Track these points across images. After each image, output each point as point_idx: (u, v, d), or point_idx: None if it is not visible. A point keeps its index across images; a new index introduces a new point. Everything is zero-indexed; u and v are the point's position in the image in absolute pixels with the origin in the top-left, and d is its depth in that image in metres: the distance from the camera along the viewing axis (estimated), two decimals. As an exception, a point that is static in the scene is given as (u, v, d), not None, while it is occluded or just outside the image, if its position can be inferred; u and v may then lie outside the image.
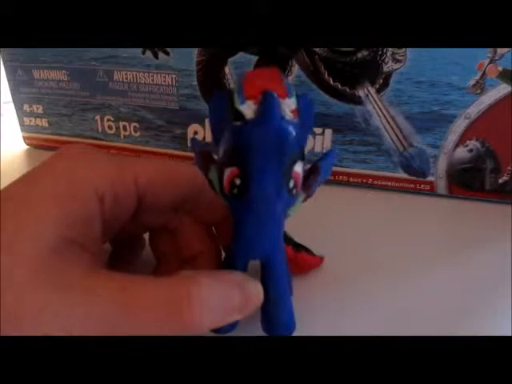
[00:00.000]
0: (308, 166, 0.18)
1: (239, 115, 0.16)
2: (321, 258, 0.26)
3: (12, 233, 0.16)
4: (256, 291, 0.18)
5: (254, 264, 0.19)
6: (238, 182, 0.16)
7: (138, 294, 0.16)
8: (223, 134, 0.17)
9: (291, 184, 0.16)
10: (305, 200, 0.19)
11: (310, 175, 0.18)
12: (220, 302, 0.17)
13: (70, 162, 0.19)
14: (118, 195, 0.19)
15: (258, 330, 0.20)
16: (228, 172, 0.16)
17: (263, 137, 0.15)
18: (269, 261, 0.18)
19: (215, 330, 0.19)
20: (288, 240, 0.24)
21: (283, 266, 0.19)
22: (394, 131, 0.34)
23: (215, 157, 0.18)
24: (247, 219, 0.17)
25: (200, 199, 0.22)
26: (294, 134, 0.16)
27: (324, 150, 0.35)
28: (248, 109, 0.16)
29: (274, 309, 0.19)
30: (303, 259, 0.25)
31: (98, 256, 0.19)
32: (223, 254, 0.23)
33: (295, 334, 0.20)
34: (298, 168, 0.17)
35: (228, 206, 0.18)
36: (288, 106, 0.16)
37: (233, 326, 0.19)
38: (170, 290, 0.16)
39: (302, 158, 0.17)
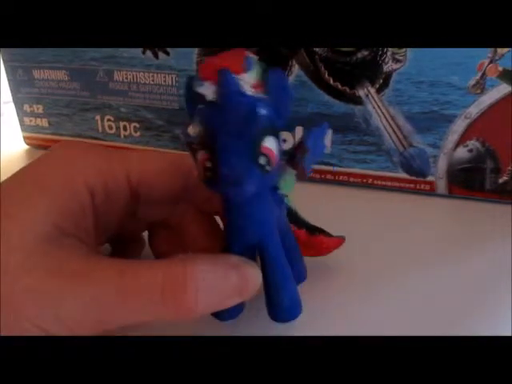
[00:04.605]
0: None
1: (201, 98, 0.16)
2: (341, 239, 0.25)
3: (3, 222, 0.16)
4: (254, 273, 0.18)
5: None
6: (208, 164, 0.16)
7: (134, 277, 0.16)
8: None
9: (262, 160, 0.16)
10: (299, 179, 0.19)
11: (296, 151, 0.18)
12: (216, 284, 0.17)
13: (62, 157, 0.20)
14: (109, 188, 0.20)
15: (264, 319, 0.20)
16: (199, 156, 0.16)
17: (223, 116, 0.15)
18: (262, 244, 0.18)
19: (218, 316, 0.19)
20: (302, 223, 0.23)
21: (279, 249, 0.19)
22: (394, 131, 0.34)
23: None
24: (226, 203, 0.17)
25: (199, 187, 0.22)
26: (255, 108, 0.16)
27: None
28: (207, 90, 0.16)
29: (276, 294, 0.19)
30: (320, 242, 0.24)
31: (94, 247, 0.19)
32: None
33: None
34: (269, 143, 0.16)
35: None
36: (247, 81, 0.16)
37: (236, 312, 0.19)
38: (166, 272, 0.16)
39: (274, 132, 0.16)
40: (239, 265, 0.18)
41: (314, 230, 0.24)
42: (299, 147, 0.18)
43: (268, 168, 0.16)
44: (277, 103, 0.16)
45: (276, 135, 0.17)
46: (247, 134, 0.16)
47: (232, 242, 0.19)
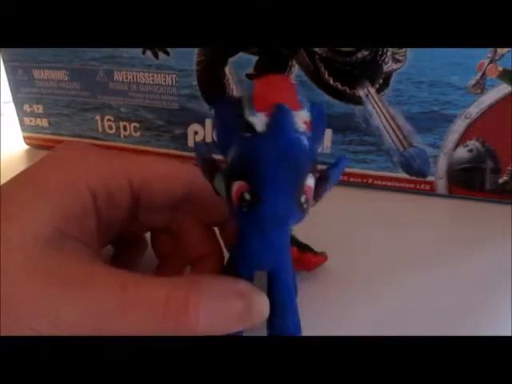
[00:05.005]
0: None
1: (249, 127, 0.15)
2: (324, 256, 0.26)
3: (5, 223, 0.16)
4: (261, 304, 0.18)
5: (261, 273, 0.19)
6: (247, 197, 0.15)
7: (136, 293, 0.16)
8: (231, 144, 0.16)
9: (303, 199, 0.16)
10: (312, 205, 0.18)
11: (320, 184, 0.17)
12: (219, 310, 0.16)
13: (64, 159, 0.20)
14: (111, 192, 0.19)
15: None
16: (237, 186, 0.16)
17: (275, 151, 0.15)
18: (276, 272, 0.18)
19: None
20: (293, 240, 0.23)
21: (290, 276, 0.19)
22: (394, 131, 0.34)
23: (221, 164, 0.17)
24: (255, 236, 0.17)
25: (200, 200, 0.22)
26: (306, 147, 0.15)
27: (324, 150, 0.36)
28: (259, 121, 0.15)
29: (280, 320, 0.19)
30: (308, 259, 0.25)
31: (97, 252, 0.19)
32: (226, 256, 0.23)
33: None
34: (310, 182, 0.16)
35: (236, 219, 0.17)
36: (301, 118, 0.16)
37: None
38: (169, 292, 0.16)
39: (314, 170, 0.16)
40: (245, 293, 0.17)
41: (304, 248, 0.24)
42: (323, 179, 0.18)
43: (305, 206, 0.16)
44: (316, 139, 0.16)
45: (314, 173, 0.16)
46: (297, 174, 0.15)
47: (243, 267, 0.18)
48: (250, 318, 0.17)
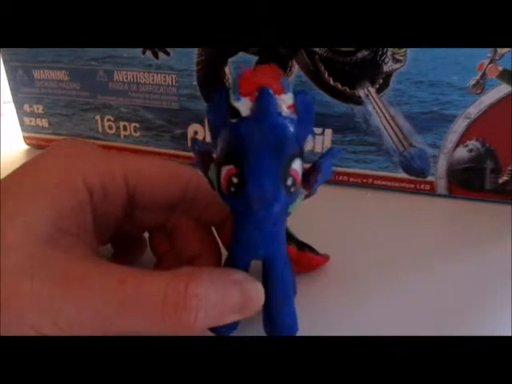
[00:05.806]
0: (309, 164, 0.18)
1: (235, 112, 0.16)
2: (326, 257, 0.26)
3: (4, 221, 0.16)
4: (257, 292, 0.18)
5: (256, 264, 0.19)
6: (235, 180, 0.16)
7: (135, 287, 0.16)
8: (220, 131, 0.16)
9: (289, 182, 0.16)
10: (306, 198, 0.18)
11: (311, 173, 0.18)
12: (218, 301, 0.17)
13: (60, 155, 0.20)
14: (107, 188, 0.19)
15: (259, 332, 0.20)
16: (225, 170, 0.16)
17: (259, 134, 0.15)
18: (270, 260, 0.18)
19: (213, 330, 0.19)
20: (291, 239, 0.23)
21: (285, 265, 0.19)
22: (394, 131, 0.34)
23: (214, 156, 0.18)
24: (245, 218, 0.17)
25: (197, 199, 0.22)
26: (290, 130, 0.16)
27: (324, 151, 0.36)
28: (244, 106, 0.16)
29: (276, 310, 0.19)
30: (307, 258, 0.24)
31: (94, 247, 0.19)
32: (224, 256, 0.23)
33: (297, 334, 0.20)
34: (296, 165, 0.16)
35: (227, 205, 0.17)
36: (284, 101, 0.16)
37: (232, 327, 0.19)
38: (167, 285, 0.16)
39: (301, 155, 0.17)
40: (243, 282, 0.17)
41: (303, 246, 0.24)
42: (314, 168, 0.18)
43: (292, 189, 0.16)
44: (303, 125, 0.17)
45: (301, 157, 0.17)
46: (281, 155, 0.16)
47: (239, 256, 0.18)
48: (247, 307, 0.17)
